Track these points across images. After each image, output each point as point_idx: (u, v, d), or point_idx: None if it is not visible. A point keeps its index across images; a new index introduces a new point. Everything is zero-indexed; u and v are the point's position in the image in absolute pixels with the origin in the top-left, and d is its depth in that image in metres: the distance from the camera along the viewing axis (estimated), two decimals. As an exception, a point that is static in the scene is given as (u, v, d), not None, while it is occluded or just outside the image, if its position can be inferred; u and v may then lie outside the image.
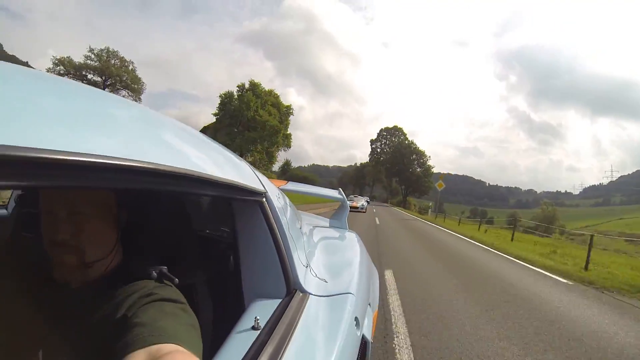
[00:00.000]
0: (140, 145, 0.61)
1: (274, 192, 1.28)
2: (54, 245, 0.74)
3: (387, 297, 4.39)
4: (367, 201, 33.06)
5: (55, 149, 0.41)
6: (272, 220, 1.14)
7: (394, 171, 64.87)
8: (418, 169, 58.34)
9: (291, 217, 1.40)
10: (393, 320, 3.62)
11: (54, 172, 0.43)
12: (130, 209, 0.87)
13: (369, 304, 1.64)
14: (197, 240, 1.10)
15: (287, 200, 1.58)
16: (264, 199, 1.12)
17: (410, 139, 61.04)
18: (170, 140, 0.80)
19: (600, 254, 12.01)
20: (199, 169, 0.74)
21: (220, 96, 37.91)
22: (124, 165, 0.51)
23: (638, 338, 3.88)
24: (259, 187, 1.10)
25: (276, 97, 38.97)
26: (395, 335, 3.23)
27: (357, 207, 24.20)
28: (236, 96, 36.28)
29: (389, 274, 5.66)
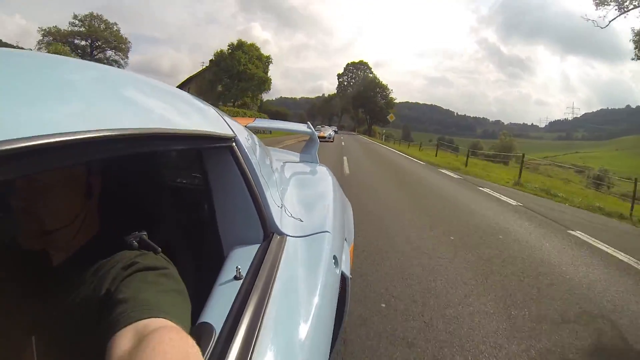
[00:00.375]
0: (98, 111, 0.56)
1: (243, 133, 1.21)
2: (16, 212, 0.71)
3: (343, 163, 11.85)
4: (335, 131, 34.49)
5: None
6: (244, 164, 1.09)
7: (359, 103, 69.74)
8: (382, 101, 63.17)
9: (262, 158, 1.36)
10: (343, 166, 10.98)
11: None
12: (103, 174, 0.82)
13: (345, 239, 1.65)
14: (170, 195, 1.04)
15: (256, 139, 1.52)
16: (234, 143, 1.07)
17: (375, 72, 65.84)
18: (131, 98, 0.74)
19: (527, 172, 15.70)
20: (165, 123, 0.70)
21: (214, 55, 45.28)
22: (81, 139, 0.47)
23: (470, 197, 8.31)
24: (228, 132, 1.04)
25: (257, 49, 45.92)
26: (343, 174, 9.40)
27: (324, 137, 24.28)
28: (227, 54, 43.50)
29: (345, 159, 13.58)
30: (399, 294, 2.91)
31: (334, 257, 1.25)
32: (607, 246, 5.18)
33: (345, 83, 77.43)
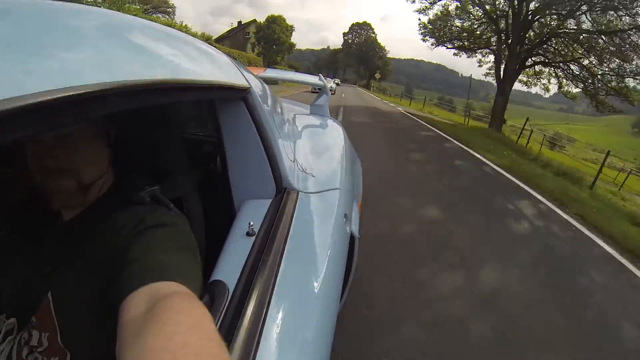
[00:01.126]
0: (109, 61, 0.53)
1: (257, 84, 1.17)
2: (47, 172, 0.69)
3: (340, 111, 14.06)
4: (337, 83, 34.81)
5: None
6: (259, 116, 1.06)
7: (361, 60, 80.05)
8: (378, 61, 73.93)
9: (274, 109, 1.32)
10: (340, 112, 13.83)
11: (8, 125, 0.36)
12: (117, 122, 0.80)
13: (354, 197, 1.64)
14: (183, 149, 1.01)
15: (269, 90, 1.47)
16: (248, 94, 1.03)
17: (379, 30, 74.06)
18: (143, 45, 0.70)
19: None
20: (179, 73, 0.68)
21: (256, 27, 56.97)
22: (96, 91, 0.45)
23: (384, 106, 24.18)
24: (243, 82, 1.00)
25: (284, 20, 56.53)
26: (339, 115, 12.84)
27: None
28: (265, 25, 55.84)
29: (342, 109, 15.74)
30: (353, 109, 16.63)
31: (345, 215, 1.24)
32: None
33: (350, 41, 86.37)
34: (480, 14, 19.44)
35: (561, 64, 17.80)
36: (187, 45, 0.92)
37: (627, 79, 15.79)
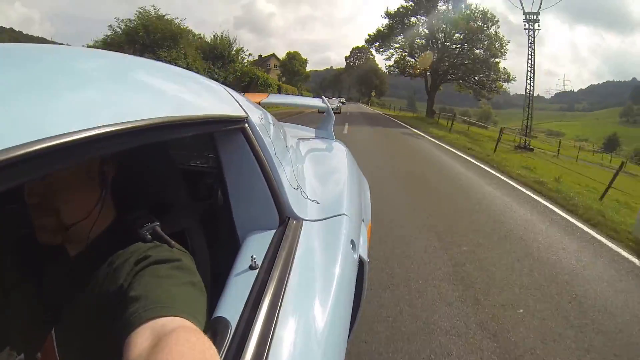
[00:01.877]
0: (106, 103, 0.55)
1: (256, 112, 1.16)
2: (30, 209, 0.70)
3: (343, 128, 15.78)
4: (342, 102, 40.40)
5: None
6: (257, 146, 1.05)
7: (361, 81, 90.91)
8: (376, 80, 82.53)
9: (276, 136, 1.31)
10: (344, 128, 16.00)
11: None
12: (117, 162, 0.80)
13: (362, 220, 1.61)
14: (184, 182, 1.00)
15: (270, 117, 1.47)
16: (246, 124, 1.03)
17: (373, 55, 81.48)
18: (139, 85, 0.72)
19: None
20: (175, 109, 0.69)
21: (280, 61, 66.57)
22: (91, 136, 0.46)
23: (372, 112, 42.28)
24: (240, 113, 1.00)
25: (300, 55, 67.79)
26: (344, 128, 15.63)
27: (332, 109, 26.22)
28: (287, 61, 66.12)
29: (346, 125, 17.80)
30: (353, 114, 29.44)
31: (352, 242, 1.21)
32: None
33: (352, 63, 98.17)
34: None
35: (459, 80, 37.09)
36: (184, 79, 0.93)
37: (498, 81, 34.56)
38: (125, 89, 0.65)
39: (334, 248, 1.09)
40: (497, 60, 34.15)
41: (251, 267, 0.85)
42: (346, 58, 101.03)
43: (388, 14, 39.20)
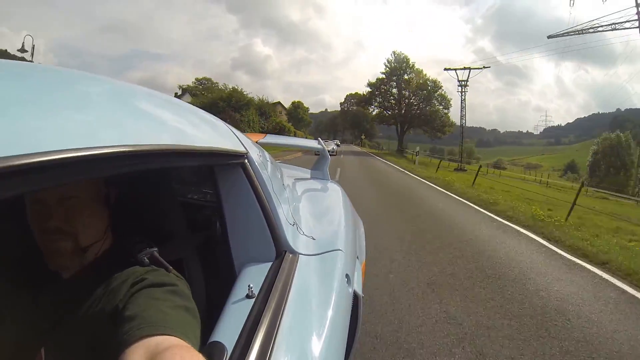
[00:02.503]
0: (113, 126, 0.57)
1: (255, 150, 1.21)
2: (46, 233, 0.70)
3: (337, 170, 15.43)
4: (337, 144, 46.68)
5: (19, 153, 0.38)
6: (256, 181, 1.09)
7: (354, 124, 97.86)
8: (367, 125, 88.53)
9: (273, 174, 1.35)
10: (341, 157, 28.16)
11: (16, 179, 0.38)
12: (118, 185, 0.83)
13: (357, 257, 1.63)
14: (182, 213, 1.03)
15: (268, 155, 1.52)
16: (246, 160, 1.07)
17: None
18: (146, 112, 0.75)
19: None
20: (178, 139, 0.71)
21: (287, 109, 76.28)
22: (98, 154, 0.47)
23: (367, 157, 38.70)
24: (240, 148, 1.04)
25: (302, 104, 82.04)
26: (338, 172, 15.03)
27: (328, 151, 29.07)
28: (293, 109, 78.78)
29: (342, 155, 30.91)
30: (347, 161, 26.10)
31: (347, 276, 1.23)
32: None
33: (346, 108, 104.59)
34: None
35: (419, 127, 58.93)
36: (188, 112, 0.97)
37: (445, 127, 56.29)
38: (132, 115, 0.68)
39: (329, 281, 1.11)
40: (445, 111, 56.88)
41: (248, 296, 0.86)
42: (341, 104, 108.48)
43: (370, 84, 62.71)
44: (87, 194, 0.74)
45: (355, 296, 1.30)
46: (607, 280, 4.13)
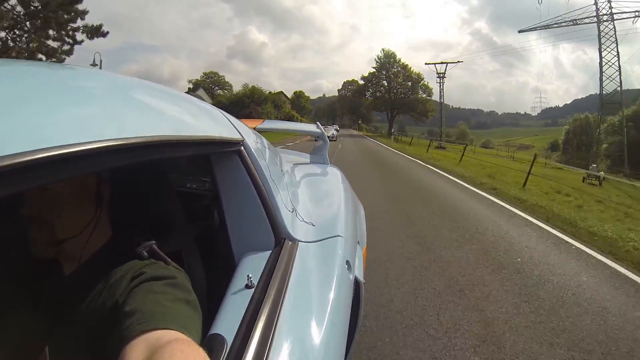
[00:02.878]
0: (104, 120, 0.56)
1: (251, 136, 1.19)
2: (27, 221, 0.71)
3: (338, 147, 23.04)
4: (337, 129, 49.93)
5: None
6: (253, 169, 1.07)
7: (352, 109, 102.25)
8: (363, 110, 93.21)
9: (271, 161, 1.33)
10: (338, 147, 22.46)
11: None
12: (113, 182, 0.81)
13: (358, 242, 1.62)
14: (180, 203, 1.02)
15: (266, 141, 1.49)
16: (242, 147, 1.05)
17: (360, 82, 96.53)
18: (138, 104, 0.74)
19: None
20: (172, 130, 0.71)
21: (289, 98, 79.93)
22: (88, 150, 0.46)
23: (356, 133, 66.58)
24: (236, 136, 1.02)
25: (304, 93, 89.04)
26: (338, 148, 21.42)
27: (328, 137, 30.06)
28: (295, 98, 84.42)
29: (340, 144, 26.80)
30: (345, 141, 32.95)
31: (347, 262, 1.21)
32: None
33: (343, 94, 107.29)
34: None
35: (406, 113, 74.22)
36: (182, 101, 0.95)
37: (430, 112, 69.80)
38: (125, 107, 0.67)
39: (329, 268, 1.10)
40: (428, 98, 69.89)
41: (247, 286, 0.85)
42: (338, 90, 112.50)
43: (363, 77, 77.53)
44: (68, 188, 0.72)
45: (357, 282, 1.29)
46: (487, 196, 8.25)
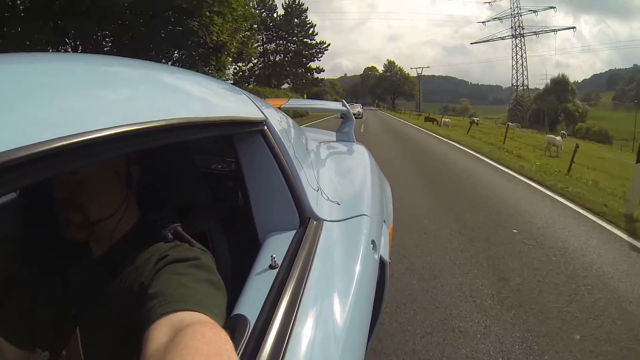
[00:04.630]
0: (128, 105, 0.58)
1: (275, 116, 1.18)
2: (57, 203, 0.72)
3: (362, 126, 20.95)
4: (362, 107, 52.73)
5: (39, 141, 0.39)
6: (276, 148, 1.07)
7: (373, 91, 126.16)
8: (381, 90, 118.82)
9: (296, 140, 1.32)
10: (362, 127, 20.24)
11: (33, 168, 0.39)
12: (142, 164, 0.82)
13: (384, 221, 1.60)
14: (205, 183, 1.02)
15: (290, 120, 1.48)
16: (265, 127, 1.04)
17: (380, 71, 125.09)
18: (158, 88, 0.74)
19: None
20: (197, 111, 0.72)
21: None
22: (114, 134, 0.48)
23: (379, 112, 69.80)
24: (258, 115, 1.01)
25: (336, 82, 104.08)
26: (363, 127, 20.45)
27: (354, 114, 31.85)
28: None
29: (364, 122, 25.38)
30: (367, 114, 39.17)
31: (372, 242, 1.20)
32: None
33: (364, 78, 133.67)
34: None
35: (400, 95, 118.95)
36: (203, 84, 0.95)
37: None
38: (150, 91, 0.68)
39: (354, 247, 1.09)
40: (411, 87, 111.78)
41: (271, 267, 0.85)
42: (360, 76, 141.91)
43: (373, 77, 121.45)
44: (99, 170, 0.73)
45: (382, 262, 1.27)
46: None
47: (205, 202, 1.02)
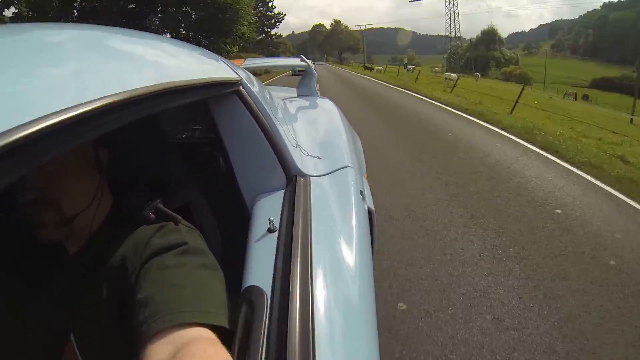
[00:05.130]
0: (90, 77, 0.49)
1: (245, 76, 1.11)
2: (28, 206, 0.63)
3: (328, 77, 27.31)
4: (312, 63, 52.99)
5: None
6: (255, 107, 1.02)
7: (320, 47, 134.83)
8: (328, 47, 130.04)
9: (269, 98, 1.26)
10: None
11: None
12: (109, 144, 0.74)
13: (362, 171, 1.60)
14: (179, 154, 0.95)
15: (257, 80, 1.41)
16: (241, 87, 0.98)
17: (327, 28, 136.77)
18: (123, 55, 0.67)
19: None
20: (166, 77, 0.64)
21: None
22: (80, 114, 0.41)
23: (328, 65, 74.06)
24: (233, 75, 0.95)
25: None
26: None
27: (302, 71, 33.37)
28: None
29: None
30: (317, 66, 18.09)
31: (360, 192, 1.19)
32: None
33: (312, 35, 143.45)
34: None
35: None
36: (170, 47, 0.87)
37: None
38: (107, 60, 0.60)
39: (346, 200, 1.08)
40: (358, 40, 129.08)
41: (269, 230, 0.82)
42: (309, 33, 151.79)
43: (321, 33, 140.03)
44: (67, 159, 0.65)
45: (370, 211, 1.28)
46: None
47: (183, 174, 0.95)
